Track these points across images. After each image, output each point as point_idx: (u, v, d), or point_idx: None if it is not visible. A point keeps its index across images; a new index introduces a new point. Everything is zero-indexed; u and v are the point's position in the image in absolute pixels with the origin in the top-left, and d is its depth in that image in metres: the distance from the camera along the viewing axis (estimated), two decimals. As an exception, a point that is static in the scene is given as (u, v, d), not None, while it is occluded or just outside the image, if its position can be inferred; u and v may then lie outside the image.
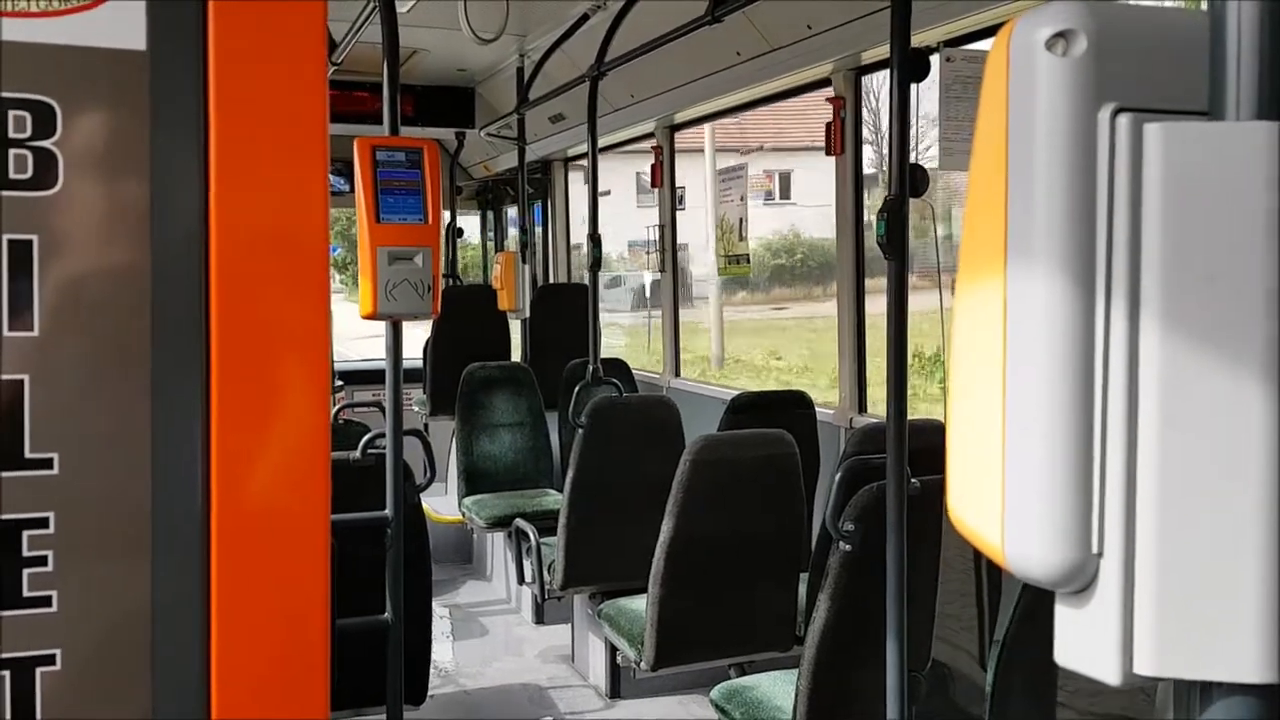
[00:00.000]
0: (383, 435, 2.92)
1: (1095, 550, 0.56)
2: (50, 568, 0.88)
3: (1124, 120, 0.55)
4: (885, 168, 2.43)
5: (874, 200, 3.63)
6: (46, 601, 0.88)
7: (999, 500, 0.58)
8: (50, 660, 0.89)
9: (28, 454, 0.87)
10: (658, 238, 5.81)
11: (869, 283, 4.26)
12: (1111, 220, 0.55)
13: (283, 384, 0.92)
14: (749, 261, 5.34)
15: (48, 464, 0.88)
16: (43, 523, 0.88)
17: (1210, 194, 0.54)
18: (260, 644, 0.92)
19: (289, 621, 0.93)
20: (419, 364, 6.86)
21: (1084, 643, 0.57)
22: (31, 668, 0.89)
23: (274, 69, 0.89)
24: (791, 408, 4.09)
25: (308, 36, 0.89)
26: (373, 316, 2.72)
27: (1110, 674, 0.55)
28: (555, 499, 5.20)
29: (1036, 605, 2.22)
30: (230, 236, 0.88)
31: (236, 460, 0.90)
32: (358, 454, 2.98)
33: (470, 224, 8.91)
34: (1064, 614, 0.58)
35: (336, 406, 4.72)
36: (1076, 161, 0.56)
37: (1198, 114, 0.56)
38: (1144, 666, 0.55)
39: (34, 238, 0.87)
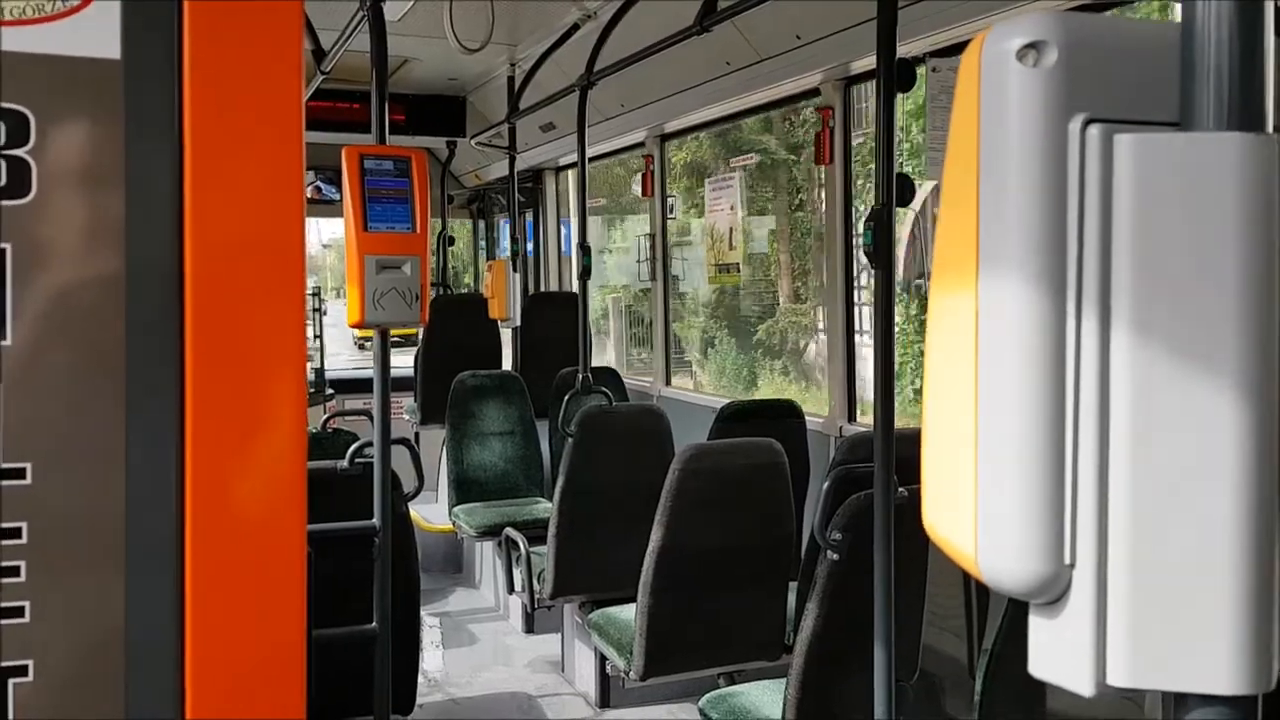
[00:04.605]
0: (371, 444, 2.92)
1: (1068, 561, 0.56)
2: (23, 578, 0.88)
3: (1095, 131, 0.55)
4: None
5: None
6: (19, 612, 0.88)
7: (972, 511, 0.58)
8: (23, 671, 0.88)
9: (1, 463, 0.87)
10: (649, 246, 5.82)
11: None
12: (1082, 231, 0.55)
13: (259, 394, 0.92)
14: (740, 270, 5.35)
15: (20, 474, 0.87)
16: (15, 533, 0.87)
17: (1181, 205, 0.53)
18: (235, 656, 0.91)
19: (265, 633, 0.92)
20: (410, 372, 6.85)
21: (1057, 653, 0.57)
22: (4, 679, 0.88)
23: (250, 76, 0.89)
24: (781, 416, 4.09)
25: (284, 44, 0.89)
26: (360, 325, 2.72)
27: (1083, 684, 0.55)
28: (545, 508, 5.19)
29: (1025, 615, 2.21)
30: (206, 245, 0.88)
31: (212, 470, 0.89)
32: (345, 463, 2.97)
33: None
34: (1038, 624, 0.58)
35: (325, 415, 4.71)
36: (1047, 172, 0.56)
37: (1168, 125, 0.56)
38: (1117, 677, 0.54)
39: (7, 246, 0.87)
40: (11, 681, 0.88)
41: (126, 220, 0.87)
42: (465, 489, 5.55)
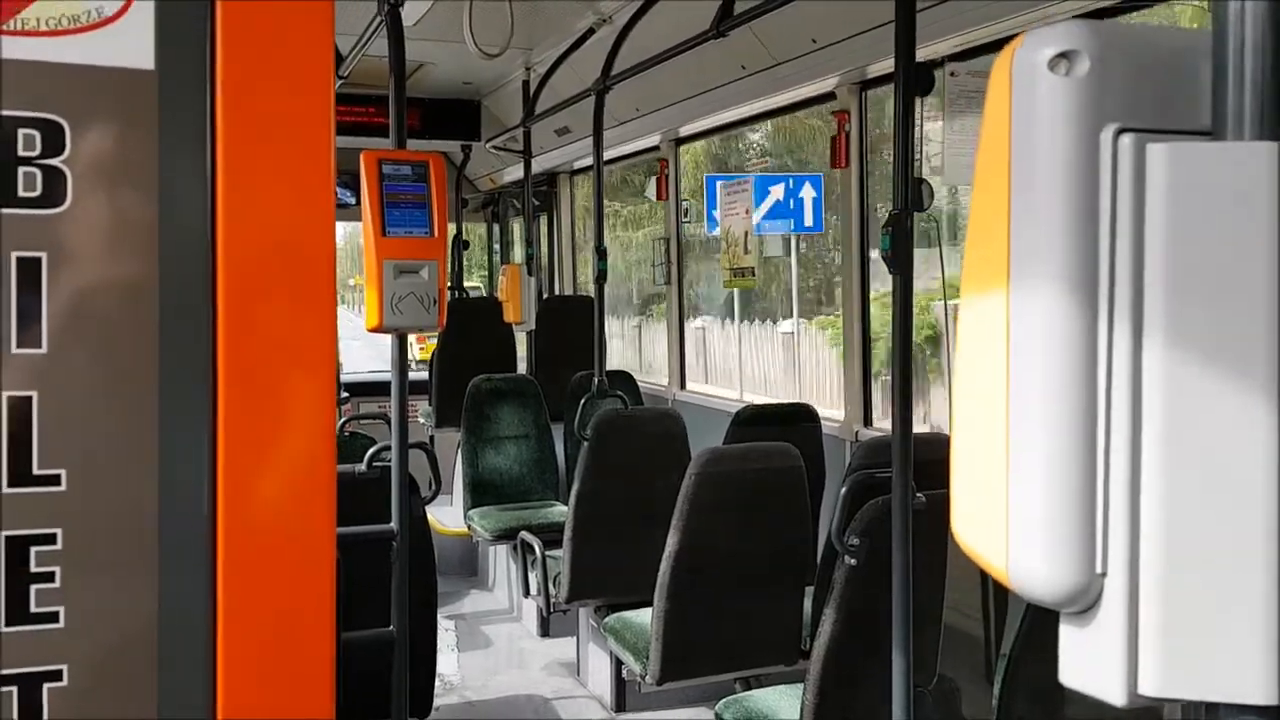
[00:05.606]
0: (388, 448, 2.92)
1: (1099, 570, 0.55)
2: (57, 584, 0.89)
3: (1127, 140, 0.55)
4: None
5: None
6: (54, 618, 0.89)
7: (1003, 520, 0.58)
8: (57, 676, 0.89)
9: (35, 470, 0.88)
10: (663, 250, 5.82)
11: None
12: (1114, 241, 0.55)
13: (289, 399, 0.92)
14: (755, 274, 5.34)
15: (55, 480, 0.88)
16: (50, 539, 0.88)
17: (1214, 214, 0.54)
18: (266, 659, 0.92)
19: (295, 636, 0.93)
20: (425, 376, 6.87)
21: (1088, 663, 0.57)
22: (38, 684, 0.89)
23: (281, 87, 0.90)
24: (797, 421, 4.09)
25: (315, 54, 0.90)
26: (379, 329, 2.73)
27: (1115, 694, 0.55)
28: (561, 511, 5.19)
29: (1043, 620, 2.21)
30: (237, 253, 0.89)
31: (243, 476, 0.90)
32: (363, 466, 2.98)
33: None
34: (1068, 634, 0.58)
35: (342, 419, 4.73)
36: (1079, 182, 0.56)
37: (1201, 134, 0.56)
38: (1148, 687, 0.54)
39: (42, 255, 0.87)
40: (46, 686, 0.89)
41: (159, 228, 0.88)
42: (480, 492, 5.56)
